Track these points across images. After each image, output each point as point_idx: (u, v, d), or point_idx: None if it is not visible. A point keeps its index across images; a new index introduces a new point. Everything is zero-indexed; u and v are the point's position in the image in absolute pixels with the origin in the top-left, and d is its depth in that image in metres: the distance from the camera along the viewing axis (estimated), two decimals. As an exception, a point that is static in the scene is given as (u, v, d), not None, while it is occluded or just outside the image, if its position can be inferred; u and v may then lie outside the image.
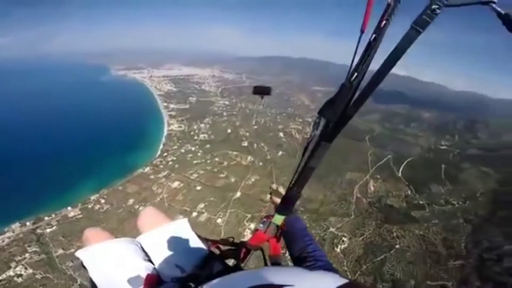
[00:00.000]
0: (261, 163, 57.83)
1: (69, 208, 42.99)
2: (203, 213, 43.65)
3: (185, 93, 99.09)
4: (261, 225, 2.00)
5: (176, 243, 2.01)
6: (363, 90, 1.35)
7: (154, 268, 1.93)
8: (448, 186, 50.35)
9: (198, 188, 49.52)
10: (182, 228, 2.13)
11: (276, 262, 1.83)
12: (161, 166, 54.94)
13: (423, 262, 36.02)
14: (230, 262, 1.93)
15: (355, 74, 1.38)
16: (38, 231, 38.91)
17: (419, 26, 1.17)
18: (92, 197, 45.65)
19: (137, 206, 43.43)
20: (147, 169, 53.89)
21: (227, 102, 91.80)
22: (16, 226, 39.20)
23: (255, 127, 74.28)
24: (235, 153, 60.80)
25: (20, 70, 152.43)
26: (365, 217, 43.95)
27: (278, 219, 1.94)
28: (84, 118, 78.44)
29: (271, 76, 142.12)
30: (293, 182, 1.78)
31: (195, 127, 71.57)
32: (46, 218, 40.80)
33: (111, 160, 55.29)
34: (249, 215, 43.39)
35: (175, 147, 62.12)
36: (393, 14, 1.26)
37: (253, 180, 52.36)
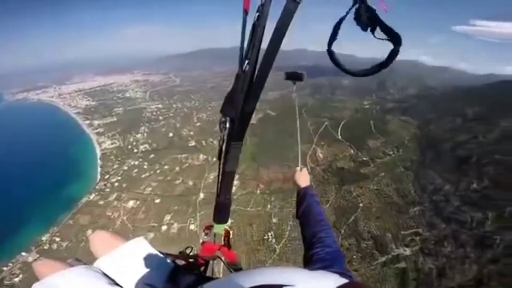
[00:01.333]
0: (214, 159, 56.33)
1: (23, 253, 39.03)
2: (172, 224, 41.59)
3: (108, 105, 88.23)
4: (205, 236, 2.06)
5: (140, 262, 1.88)
6: (257, 75, 1.29)
7: None
8: (381, 138, 58.09)
9: (157, 201, 46.36)
10: (140, 245, 1.97)
11: (236, 268, 1.96)
12: (107, 190, 49.38)
13: (388, 215, 40.40)
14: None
15: (247, 61, 1.28)
16: (6, 282, 35.70)
17: None
18: (44, 238, 40.99)
19: None
20: (92, 196, 48.01)
21: (160, 106, 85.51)
22: None
23: (198, 124, 71.69)
24: (184, 155, 57.93)
25: None
26: (324, 183, 47.43)
27: (219, 228, 2.00)
28: None
29: (202, 70, 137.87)
30: (219, 190, 1.81)
31: (131, 139, 64.86)
32: (4, 268, 37.16)
33: (47, 196, 47.91)
34: None
35: (115, 166, 55.58)
36: None
37: (212, 177, 51.08)
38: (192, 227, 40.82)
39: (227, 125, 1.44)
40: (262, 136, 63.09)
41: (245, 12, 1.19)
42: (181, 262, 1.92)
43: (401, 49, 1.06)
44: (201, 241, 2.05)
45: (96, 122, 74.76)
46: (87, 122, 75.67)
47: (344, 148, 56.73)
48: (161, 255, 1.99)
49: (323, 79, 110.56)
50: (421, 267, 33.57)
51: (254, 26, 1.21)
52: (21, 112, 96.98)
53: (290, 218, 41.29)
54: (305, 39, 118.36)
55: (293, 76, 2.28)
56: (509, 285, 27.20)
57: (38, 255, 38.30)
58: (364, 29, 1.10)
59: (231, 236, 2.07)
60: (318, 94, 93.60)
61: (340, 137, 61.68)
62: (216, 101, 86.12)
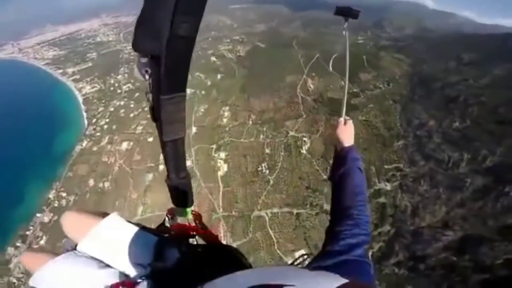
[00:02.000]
0: (203, 92, 54.63)
1: (38, 215, 38.50)
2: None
3: (79, 52, 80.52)
4: (169, 221, 1.80)
5: (122, 240, 1.72)
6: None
7: (120, 272, 1.66)
8: (372, 73, 57.20)
9: (150, 139, 45.20)
10: (117, 222, 1.78)
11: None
12: (98, 134, 47.96)
13: (374, 148, 41.08)
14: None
15: None
16: (35, 246, 34.46)
17: None
18: (50, 196, 40.33)
19: (101, 184, 40.07)
20: (84, 143, 46.67)
21: (138, 46, 77.88)
22: (11, 250, 35.77)
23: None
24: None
25: None
26: (314, 114, 47.43)
27: (185, 212, 1.74)
28: None
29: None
30: (167, 170, 1.40)
31: (112, 81, 61.03)
32: (27, 233, 36.92)
33: (39, 152, 46.45)
34: (214, 145, 42.99)
35: (101, 109, 53.14)
36: None
37: (202, 110, 50.09)
38: (188, 163, 40.51)
39: (149, 68, 0.94)
40: (252, 67, 60.56)
41: None
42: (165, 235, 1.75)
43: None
44: (167, 225, 1.78)
45: (69, 70, 68.97)
46: (60, 71, 69.63)
47: (335, 79, 55.54)
48: (141, 230, 1.78)
49: (315, 12, 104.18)
50: (398, 204, 33.89)
51: None
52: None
53: (282, 148, 41.90)
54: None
55: (346, 12, 2.02)
56: (471, 230, 28.12)
57: (52, 214, 38.34)
58: None
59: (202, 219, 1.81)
60: (310, 27, 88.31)
61: (331, 69, 60.01)
62: (199, 35, 79.57)
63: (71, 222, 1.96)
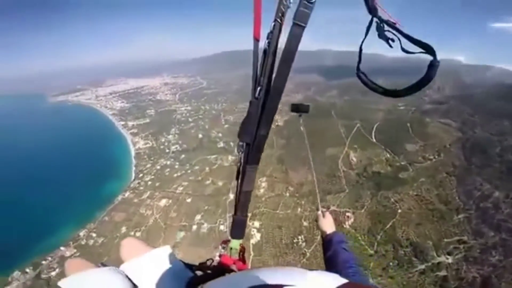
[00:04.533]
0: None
1: (62, 248, 40.58)
2: (202, 224, 41.96)
3: (141, 107, 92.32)
4: (222, 250, 2.13)
5: (161, 269, 1.96)
6: (269, 102, 1.29)
7: None
8: (420, 142, 54.26)
9: (188, 200, 47.20)
10: (165, 254, 2.05)
11: None
12: (141, 188, 51.24)
13: (429, 222, 37.81)
14: None
15: (259, 87, 1.30)
16: (43, 276, 36.91)
17: (300, 20, 1.10)
18: (81, 233, 42.70)
19: (132, 233, 40.96)
20: (127, 194, 50.09)
21: (189, 108, 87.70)
22: (17, 274, 37.21)
23: (226, 126, 72.40)
24: (213, 156, 58.70)
25: None
26: (358, 188, 45.09)
27: (235, 243, 2.07)
28: (41, 154, 67.72)
29: (224, 73, 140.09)
30: (236, 208, 1.83)
31: (163, 140, 67.19)
32: (43, 262, 38.28)
33: (85, 193, 50.69)
34: (250, 214, 42.24)
35: (149, 165, 57.78)
36: (284, 15, 1.14)
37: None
38: (221, 227, 40.79)
39: (243, 149, 1.52)
40: (290, 138, 62.15)
41: (256, 39, 1.19)
42: (200, 273, 1.99)
43: (436, 48, 1.00)
44: (217, 254, 2.14)
45: (130, 123, 78.67)
46: (122, 123, 79.90)
47: (379, 151, 53.89)
48: (182, 265, 2.06)
49: (351, 80, 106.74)
50: (464, 276, 31.48)
51: (265, 53, 1.22)
52: (63, 113, 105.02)
53: None
54: (328, 39, 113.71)
55: (299, 108, 2.39)
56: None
57: (75, 250, 40.22)
58: (390, 45, 1.09)
59: (245, 252, 2.17)
60: (347, 95, 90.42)
61: (374, 140, 58.82)
62: (241, 103, 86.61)
63: (129, 245, 2.18)
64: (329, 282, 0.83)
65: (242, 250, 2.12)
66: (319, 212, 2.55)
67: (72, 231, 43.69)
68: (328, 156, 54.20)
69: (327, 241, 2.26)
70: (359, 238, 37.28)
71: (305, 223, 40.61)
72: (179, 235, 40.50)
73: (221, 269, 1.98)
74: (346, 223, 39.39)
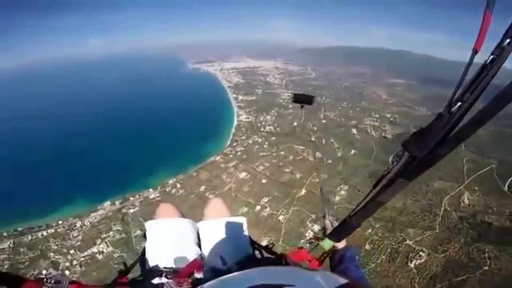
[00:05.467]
0: (330, 161, 54.13)
1: (150, 190, 47.15)
2: (266, 207, 43.17)
3: (252, 85, 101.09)
4: (308, 244, 1.88)
5: (228, 238, 2.08)
6: (465, 126, 1.06)
7: (200, 254, 2.01)
8: None
9: (264, 181, 49.57)
10: (238, 225, 2.17)
11: None
12: (231, 156, 57.04)
13: None
14: None
15: (459, 103, 1.09)
16: (124, 210, 42.63)
17: None
18: (170, 181, 49.71)
19: (207, 194, 45.60)
20: (218, 157, 56.69)
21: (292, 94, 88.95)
22: (107, 204, 43.99)
23: (324, 121, 70.13)
24: (301, 147, 58.72)
25: (116, 63, 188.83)
26: (452, 232, 36.88)
27: (327, 243, 1.90)
28: (169, 106, 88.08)
29: (337, 67, 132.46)
30: (355, 211, 1.64)
31: (261, 118, 72.15)
32: (131, 198, 45.05)
33: (188, 148, 59.78)
34: (313, 216, 40.97)
35: (243, 137, 63.94)
36: None
37: (320, 178, 49.56)
38: (281, 218, 40.91)
39: (403, 160, 1.31)
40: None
41: (475, 51, 1.04)
42: (258, 255, 2.06)
43: None
44: (299, 245, 2.03)
45: (240, 97, 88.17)
46: (234, 96, 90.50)
47: (507, 203, 40.32)
48: (248, 240, 2.14)
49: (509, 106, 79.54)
50: None
51: (483, 69, 1.04)
52: (193, 78, 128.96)
53: (386, 251, 35.17)
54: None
55: (302, 99, 2.13)
56: None
57: (159, 195, 45.20)
58: None
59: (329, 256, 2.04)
60: (494, 125, 68.61)
61: (506, 188, 43.86)
62: (347, 102, 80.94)
63: (214, 205, 2.55)
64: (329, 282, 0.82)
65: (328, 253, 2.00)
66: (327, 222, 2.29)
67: (166, 178, 49.75)
68: (434, 189, 44.78)
69: (339, 256, 2.04)
70: (416, 280, 31.63)
71: (367, 246, 36.32)
72: (242, 209, 42.26)
73: (280, 260, 1.93)
74: (413, 262, 33.52)
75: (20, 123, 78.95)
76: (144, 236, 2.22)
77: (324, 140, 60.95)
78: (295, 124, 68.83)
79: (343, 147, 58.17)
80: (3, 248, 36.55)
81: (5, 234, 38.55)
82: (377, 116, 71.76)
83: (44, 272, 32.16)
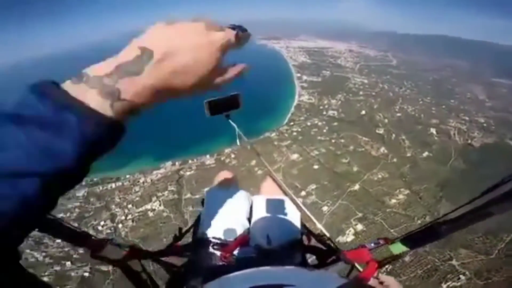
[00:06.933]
0: (395, 159, 47.54)
1: (207, 156, 48.24)
2: (311, 195, 40.73)
3: (319, 66, 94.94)
4: (372, 244, 1.67)
5: (279, 217, 1.99)
6: None
7: (248, 229, 1.97)
8: None
9: (315, 167, 46.60)
10: (292, 207, 2.08)
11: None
12: (286, 135, 55.34)
13: None
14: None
15: None
16: (181, 172, 43.70)
17: None
18: (226, 150, 50.28)
19: (256, 169, 44.70)
20: (273, 134, 55.62)
21: (365, 81, 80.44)
22: (168, 164, 45.57)
23: (399, 114, 61.38)
24: (365, 139, 52.96)
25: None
26: (509, 261, 31.05)
27: (398, 248, 1.54)
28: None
29: (427, 57, 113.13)
30: (448, 217, 1.22)
31: (325, 101, 67.40)
32: (190, 161, 46.25)
33: (247, 121, 61.16)
34: (361, 214, 37.31)
35: (302, 118, 61.15)
36: None
37: (379, 176, 44.13)
38: (324, 208, 37.99)
39: None
40: (474, 168, 44.37)
41: None
42: (306, 241, 1.91)
43: None
44: (360, 244, 1.70)
45: (304, 77, 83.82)
46: (298, 75, 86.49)
47: None
48: (299, 224, 1.97)
49: None
50: None
51: None
52: (260, 54, 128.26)
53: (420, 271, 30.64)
54: None
55: (222, 106, 1.63)
56: None
57: (214, 162, 45.90)
58: None
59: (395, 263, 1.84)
60: None
61: None
62: (432, 97, 68.70)
63: (271, 183, 2.43)
64: (329, 282, 0.81)
65: (393, 259, 1.57)
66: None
67: (224, 146, 49.57)
68: (511, 213, 35.62)
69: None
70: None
71: (407, 258, 31.50)
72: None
73: (330, 253, 1.77)
74: (447, 283, 29.81)
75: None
76: (202, 203, 2.16)
77: (393, 135, 53.46)
78: (363, 112, 62.09)
79: (415, 147, 50.30)
80: (78, 196, 40.62)
81: (83, 182, 44.61)
82: (466, 118, 60.00)
83: (102, 223, 36.28)
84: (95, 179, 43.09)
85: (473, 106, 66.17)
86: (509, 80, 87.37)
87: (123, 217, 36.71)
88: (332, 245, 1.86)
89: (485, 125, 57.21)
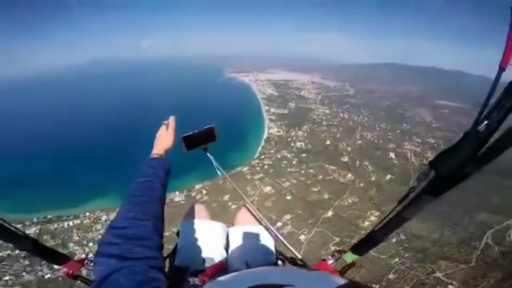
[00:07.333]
0: (362, 184, 50.62)
1: (176, 192, 47.36)
2: (287, 225, 41.61)
3: (285, 98, 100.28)
4: (330, 257, 2.03)
5: (255, 245, 2.08)
6: (492, 145, 1.06)
7: (226, 258, 2.06)
8: None
9: (288, 197, 47.92)
10: (266, 234, 2.20)
11: None
12: (258, 168, 56.34)
13: None
14: None
15: (486, 121, 1.08)
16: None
17: None
18: (197, 186, 50.04)
19: (230, 203, 45.02)
20: (245, 168, 56.29)
21: (327, 111, 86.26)
22: None
23: (359, 141, 66.19)
24: (332, 167, 55.90)
25: (162, 67, 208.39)
26: (490, 267, 33.04)
27: (350, 257, 1.93)
28: (199, 115, 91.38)
29: (379, 85, 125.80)
30: (380, 225, 1.66)
31: (292, 133, 70.56)
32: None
33: (218, 156, 61.27)
34: (338, 239, 38.65)
35: (272, 151, 62.96)
36: None
37: (349, 201, 46.49)
38: (301, 237, 38.92)
39: (429, 177, 1.30)
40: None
41: (501, 69, 1.04)
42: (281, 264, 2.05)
43: None
44: (322, 258, 2.06)
45: (272, 110, 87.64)
46: (267, 107, 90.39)
47: None
48: (273, 248, 2.12)
49: None
50: None
51: (511, 86, 1.03)
52: (229, 87, 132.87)
53: (412, 282, 32.03)
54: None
55: (199, 140, 1.64)
56: None
57: (184, 198, 45.03)
58: None
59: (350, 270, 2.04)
60: None
61: None
62: (388, 123, 75.58)
63: (245, 212, 2.52)
64: (329, 282, 0.80)
65: (351, 266, 2.00)
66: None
67: (195, 181, 49.47)
68: (478, 221, 39.82)
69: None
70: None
71: (391, 275, 33.13)
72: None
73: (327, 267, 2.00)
74: None
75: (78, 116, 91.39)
76: (177, 234, 2.28)
77: (358, 162, 57.23)
78: (328, 142, 65.96)
79: (378, 171, 54.08)
80: (29, 234, 37.83)
81: (35, 219, 40.50)
82: (419, 140, 66.05)
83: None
84: (48, 217, 41.03)
85: (422, 128, 73.73)
86: (450, 102, 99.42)
87: (83, 255, 33.75)
88: (302, 263, 1.99)
89: (435, 145, 63.50)
